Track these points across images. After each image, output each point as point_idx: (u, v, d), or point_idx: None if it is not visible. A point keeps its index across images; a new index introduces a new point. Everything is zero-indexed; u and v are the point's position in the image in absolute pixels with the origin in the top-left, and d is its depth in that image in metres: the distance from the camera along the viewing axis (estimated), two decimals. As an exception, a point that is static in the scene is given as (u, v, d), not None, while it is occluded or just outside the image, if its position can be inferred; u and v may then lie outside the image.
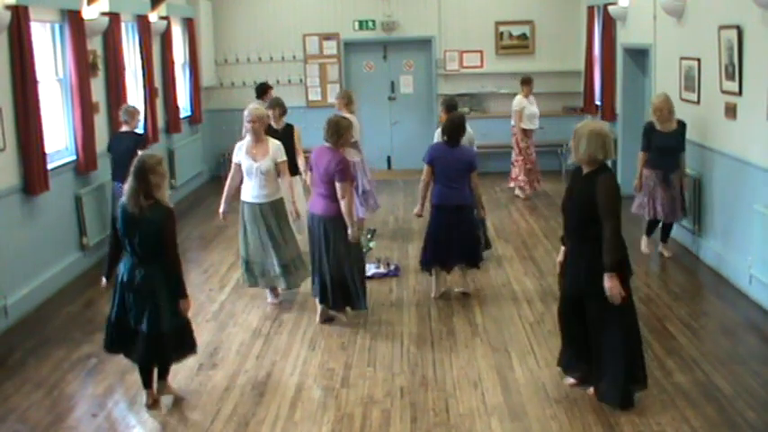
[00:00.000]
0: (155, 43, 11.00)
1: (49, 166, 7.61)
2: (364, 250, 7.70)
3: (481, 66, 13.36)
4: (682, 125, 8.03)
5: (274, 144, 6.98)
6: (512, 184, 11.54)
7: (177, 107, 11.84)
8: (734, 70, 7.22)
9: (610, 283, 4.85)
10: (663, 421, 4.92)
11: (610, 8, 11.05)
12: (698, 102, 8.23)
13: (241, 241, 7.15)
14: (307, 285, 7.16)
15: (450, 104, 8.04)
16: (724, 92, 7.50)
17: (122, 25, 9.74)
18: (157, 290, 5.09)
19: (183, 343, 5.32)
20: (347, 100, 8.98)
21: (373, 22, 13.28)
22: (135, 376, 5.50)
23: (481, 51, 13.33)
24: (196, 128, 13.00)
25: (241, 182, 7.05)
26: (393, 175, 13.34)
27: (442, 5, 13.24)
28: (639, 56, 10.79)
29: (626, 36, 10.97)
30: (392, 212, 10.73)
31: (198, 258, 8.93)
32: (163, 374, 5.42)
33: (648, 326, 6.42)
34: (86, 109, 8.38)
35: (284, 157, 6.96)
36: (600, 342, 5.05)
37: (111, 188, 8.47)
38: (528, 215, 10.50)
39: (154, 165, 5.05)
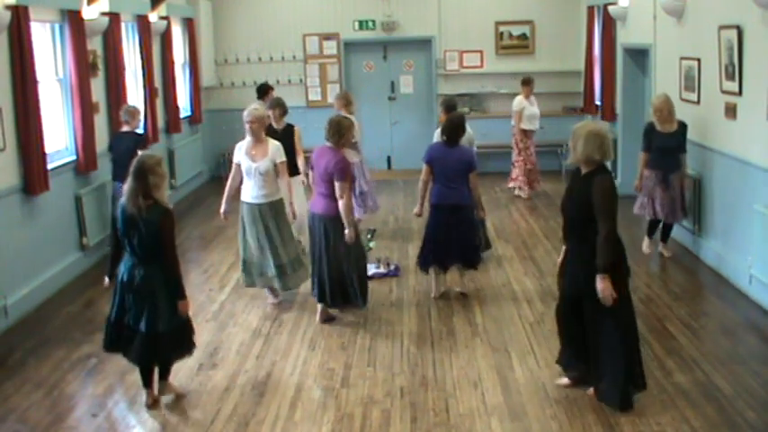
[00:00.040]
0: (155, 43, 11.00)
1: (49, 166, 7.61)
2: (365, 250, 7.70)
3: (481, 66, 13.36)
4: (682, 126, 8.02)
5: (274, 145, 6.98)
6: (511, 185, 11.55)
7: (177, 107, 11.84)
8: (734, 70, 7.22)
9: (602, 285, 4.85)
10: (663, 421, 4.92)
11: (610, 8, 11.05)
12: (698, 102, 8.23)
13: (240, 241, 7.16)
14: (306, 286, 7.16)
15: (450, 105, 8.04)
16: (724, 92, 7.50)
17: (122, 25, 9.74)
18: (157, 290, 5.09)
19: (181, 344, 5.31)
20: (345, 101, 8.98)
21: (373, 22, 13.28)
22: (135, 376, 5.50)
23: (481, 51, 13.33)
24: (196, 128, 13.01)
25: (242, 182, 7.05)
26: (393, 175, 13.34)
27: (441, 5, 13.25)
28: (639, 56, 10.79)
29: (626, 36, 10.97)
30: (392, 212, 10.73)
31: (198, 258, 8.93)
32: (164, 374, 5.42)
33: (648, 326, 6.43)
34: (86, 109, 8.38)
35: (283, 158, 6.96)
36: (598, 342, 5.06)
37: (112, 188, 8.46)
38: (528, 215, 10.50)
39: (153, 165, 5.05)
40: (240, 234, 7.13)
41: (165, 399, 5.42)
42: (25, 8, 7.09)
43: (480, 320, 6.76)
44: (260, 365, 5.98)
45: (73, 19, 8.20)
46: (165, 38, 11.44)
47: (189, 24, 12.49)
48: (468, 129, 7.56)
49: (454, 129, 7.06)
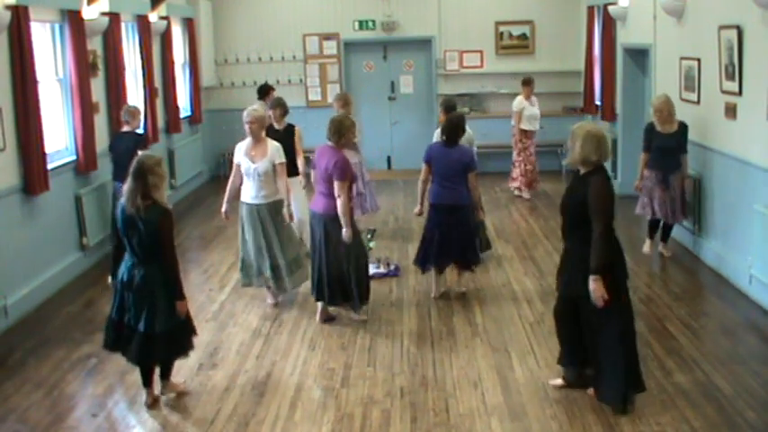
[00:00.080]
0: (155, 43, 11.00)
1: (49, 166, 7.61)
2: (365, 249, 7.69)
3: (481, 66, 13.36)
4: (683, 127, 8.02)
5: (273, 146, 6.97)
6: (513, 185, 11.54)
7: (177, 107, 11.84)
8: (734, 70, 7.22)
9: (593, 286, 4.85)
10: (663, 421, 4.92)
11: (610, 8, 11.05)
12: (698, 102, 8.23)
13: (240, 241, 7.16)
14: (307, 286, 7.15)
15: (449, 105, 8.03)
16: (724, 92, 7.50)
17: (122, 25, 9.74)
18: (156, 290, 5.09)
19: (179, 344, 5.30)
20: (344, 101, 8.97)
21: (373, 22, 13.28)
22: (135, 376, 5.51)
23: (481, 51, 13.33)
24: (196, 128, 13.00)
25: (242, 182, 7.05)
26: (393, 175, 13.35)
27: (441, 5, 13.25)
28: (639, 56, 10.79)
29: (626, 36, 10.97)
30: (392, 212, 10.73)
31: (198, 258, 8.93)
32: (165, 374, 5.43)
33: (648, 326, 6.43)
34: (86, 109, 8.38)
35: (282, 159, 6.94)
36: (596, 343, 5.05)
37: (113, 188, 8.46)
38: (528, 215, 10.50)
39: (152, 165, 5.05)
40: (240, 234, 7.14)
41: (167, 397, 5.42)
42: (25, 8, 7.09)
43: (480, 320, 6.76)
44: (260, 365, 5.98)
45: (73, 19, 8.20)
46: (165, 38, 11.44)
47: (189, 24, 12.49)
48: (468, 129, 7.56)
49: (453, 129, 7.06)
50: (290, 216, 7.07)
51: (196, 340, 5.53)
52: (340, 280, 6.62)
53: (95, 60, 8.94)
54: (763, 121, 6.67)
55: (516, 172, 11.42)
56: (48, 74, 8.18)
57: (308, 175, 8.12)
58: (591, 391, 5.22)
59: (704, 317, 6.79)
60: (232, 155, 7.22)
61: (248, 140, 6.98)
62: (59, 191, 7.91)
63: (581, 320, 5.09)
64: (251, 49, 13.38)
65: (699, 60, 8.12)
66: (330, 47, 13.39)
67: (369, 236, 9.09)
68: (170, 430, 5.08)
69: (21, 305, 7.08)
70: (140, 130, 8.94)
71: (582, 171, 5.01)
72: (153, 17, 10.71)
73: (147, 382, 5.34)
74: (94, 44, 8.95)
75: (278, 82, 12.89)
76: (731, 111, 7.38)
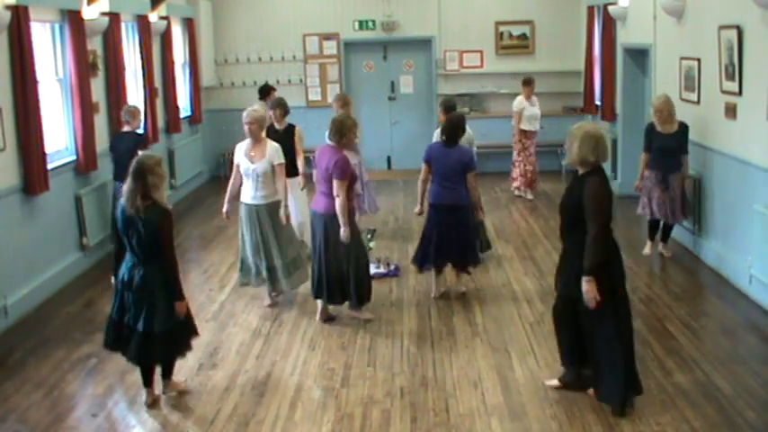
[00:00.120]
0: (155, 43, 11.00)
1: (49, 166, 7.61)
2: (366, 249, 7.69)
3: (481, 66, 13.36)
4: (683, 127, 8.01)
5: (272, 146, 6.97)
6: (514, 185, 11.53)
7: (177, 107, 11.84)
8: (734, 70, 7.22)
9: (586, 286, 4.84)
10: (663, 421, 4.92)
11: (610, 8, 11.05)
12: (698, 102, 8.23)
13: (240, 241, 7.16)
14: (307, 286, 7.16)
15: (449, 105, 8.03)
16: (724, 92, 7.50)
17: (122, 25, 9.74)
18: (155, 290, 5.09)
19: (177, 345, 5.30)
20: (343, 102, 8.97)
21: (373, 22, 13.28)
22: (135, 376, 5.51)
23: (481, 51, 13.33)
24: (196, 128, 13.00)
25: (242, 182, 7.05)
26: (393, 175, 13.35)
27: (441, 5, 13.25)
28: (639, 56, 10.79)
29: (626, 36, 10.97)
30: (392, 212, 10.73)
31: (198, 258, 8.93)
32: (166, 373, 5.43)
33: (648, 326, 6.43)
34: (86, 109, 8.38)
35: (281, 160, 6.93)
36: (593, 343, 5.05)
37: (113, 188, 8.46)
38: (528, 215, 10.50)
39: (152, 165, 5.04)
40: (240, 233, 7.14)
41: (168, 396, 5.42)
42: (25, 8, 7.09)
43: (480, 320, 6.76)
44: (260, 365, 5.98)
45: (73, 19, 8.20)
46: (165, 38, 11.44)
47: (189, 24, 12.49)
48: (468, 129, 7.55)
49: (453, 129, 7.07)
50: (287, 217, 7.07)
51: (196, 340, 5.53)
52: (339, 280, 6.63)
53: (95, 60, 8.94)
54: (763, 121, 6.67)
55: (516, 172, 11.42)
56: (48, 74, 8.18)
57: (309, 175, 8.12)
58: (591, 391, 5.22)
59: (704, 317, 6.79)
60: (232, 155, 7.22)
61: (248, 141, 6.98)
62: (59, 191, 7.91)
63: (580, 321, 5.08)
64: (251, 49, 13.37)
65: (699, 60, 8.12)
66: (330, 47, 13.39)
67: (369, 236, 9.09)
68: (170, 430, 5.07)
69: (21, 305, 7.08)
70: (140, 130, 8.93)
71: (580, 172, 5.01)
72: (153, 17, 10.71)
73: (148, 382, 5.35)
74: (94, 44, 8.95)
75: (278, 82, 12.88)
76: (731, 111, 7.38)
